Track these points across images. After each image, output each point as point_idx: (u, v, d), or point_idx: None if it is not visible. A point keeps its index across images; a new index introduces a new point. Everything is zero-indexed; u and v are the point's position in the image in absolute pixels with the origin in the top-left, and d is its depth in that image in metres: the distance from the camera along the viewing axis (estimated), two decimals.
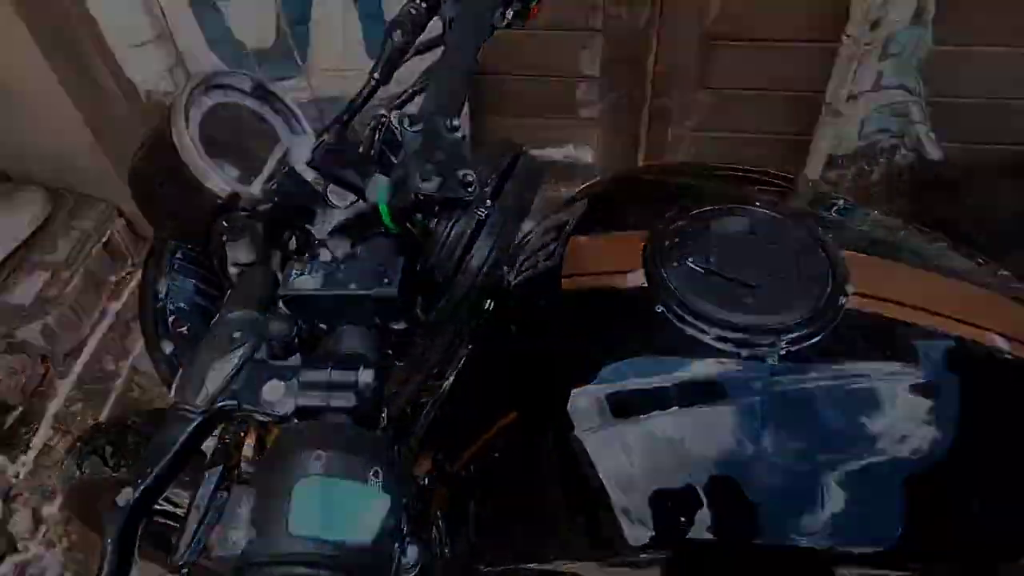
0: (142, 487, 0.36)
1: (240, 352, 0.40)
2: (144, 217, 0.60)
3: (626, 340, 0.55)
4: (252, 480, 0.35)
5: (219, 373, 0.39)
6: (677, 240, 0.56)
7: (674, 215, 0.59)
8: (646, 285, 0.55)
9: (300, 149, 0.57)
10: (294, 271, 0.42)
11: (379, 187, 0.43)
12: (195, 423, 0.38)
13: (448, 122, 0.43)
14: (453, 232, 0.41)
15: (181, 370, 0.40)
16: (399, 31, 0.53)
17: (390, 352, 0.46)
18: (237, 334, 0.40)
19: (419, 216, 0.43)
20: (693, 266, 0.54)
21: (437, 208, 0.41)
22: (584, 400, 0.52)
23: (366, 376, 0.37)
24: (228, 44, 1.42)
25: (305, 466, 0.33)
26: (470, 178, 0.40)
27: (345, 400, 0.37)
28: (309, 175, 0.46)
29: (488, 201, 0.41)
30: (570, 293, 0.60)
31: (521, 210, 0.44)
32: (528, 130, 1.64)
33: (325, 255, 0.46)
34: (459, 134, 0.43)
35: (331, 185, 0.46)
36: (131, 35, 1.38)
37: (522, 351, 0.62)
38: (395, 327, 0.41)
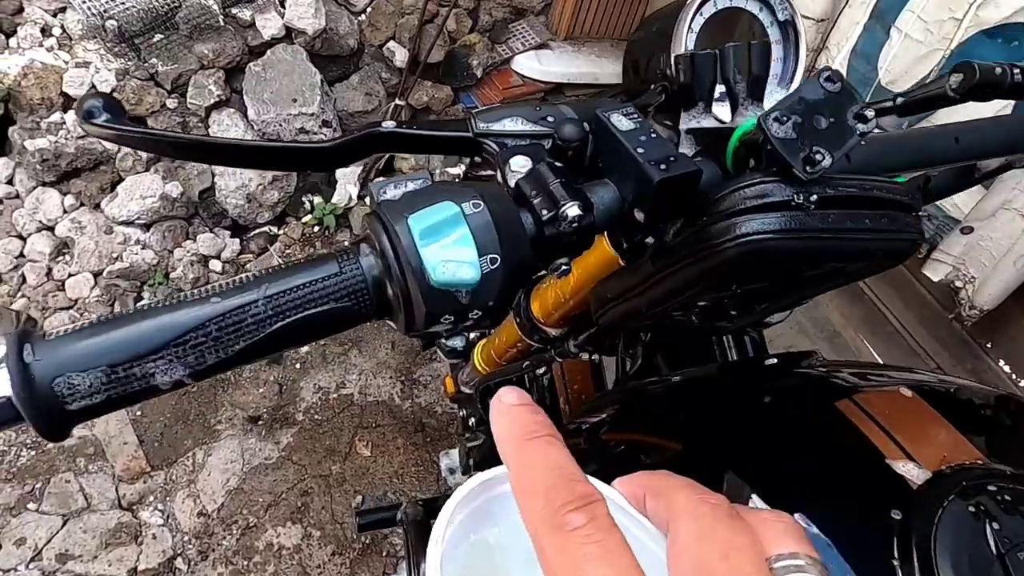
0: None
1: (537, 127, 0.42)
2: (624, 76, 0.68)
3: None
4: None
5: (512, 123, 0.42)
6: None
7: None
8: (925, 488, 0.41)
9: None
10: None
11: (749, 121, 0.39)
12: (462, 134, 0.42)
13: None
14: (753, 190, 0.35)
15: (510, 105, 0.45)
16: None
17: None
18: (551, 118, 0.43)
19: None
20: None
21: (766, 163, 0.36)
22: None
23: (574, 210, 0.36)
24: None
25: (461, 193, 0.35)
26: (821, 159, 0.34)
27: (546, 209, 0.37)
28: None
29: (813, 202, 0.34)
30: (840, 417, 0.48)
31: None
32: None
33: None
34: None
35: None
36: None
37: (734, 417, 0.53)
38: (638, 218, 0.38)
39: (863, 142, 0.35)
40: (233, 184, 2.17)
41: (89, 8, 2.01)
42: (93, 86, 2.02)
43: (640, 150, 0.37)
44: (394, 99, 2.40)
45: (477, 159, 0.43)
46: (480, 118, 0.42)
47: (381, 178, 0.37)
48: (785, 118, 0.34)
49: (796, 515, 0.44)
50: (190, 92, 2.11)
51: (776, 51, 0.61)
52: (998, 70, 0.54)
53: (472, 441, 1.26)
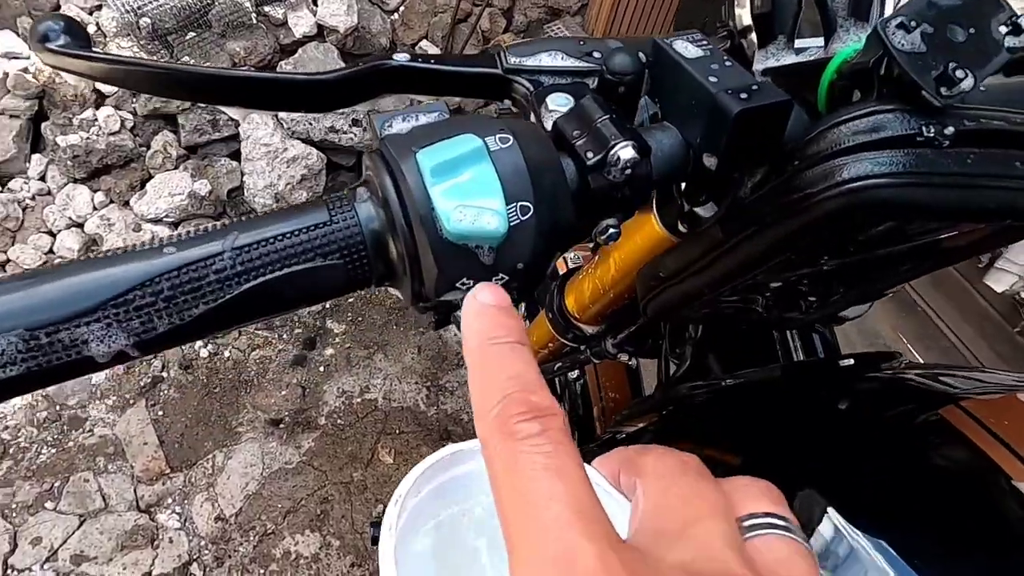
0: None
1: (581, 62, 0.35)
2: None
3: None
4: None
5: (550, 58, 0.35)
6: None
7: None
8: None
9: None
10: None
11: (852, 46, 0.31)
12: (490, 71, 0.35)
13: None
14: (863, 122, 0.27)
15: (549, 39, 0.38)
16: None
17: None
18: (597, 53, 0.36)
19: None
20: None
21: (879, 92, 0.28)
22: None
23: (627, 152, 0.28)
24: None
25: (486, 125, 0.27)
26: (962, 77, 0.26)
27: (591, 151, 0.29)
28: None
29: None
30: (944, 427, 0.39)
31: None
32: None
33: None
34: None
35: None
36: None
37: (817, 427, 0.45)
38: (707, 164, 0.30)
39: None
40: (262, 183, 2.13)
41: (123, 5, 2.00)
42: None
43: (712, 79, 0.29)
44: None
45: (507, 102, 0.36)
46: (512, 52, 0.35)
47: (388, 110, 0.30)
48: (913, 24, 0.26)
49: (874, 544, 0.36)
50: None
51: None
52: None
53: None
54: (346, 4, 2.14)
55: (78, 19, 1.50)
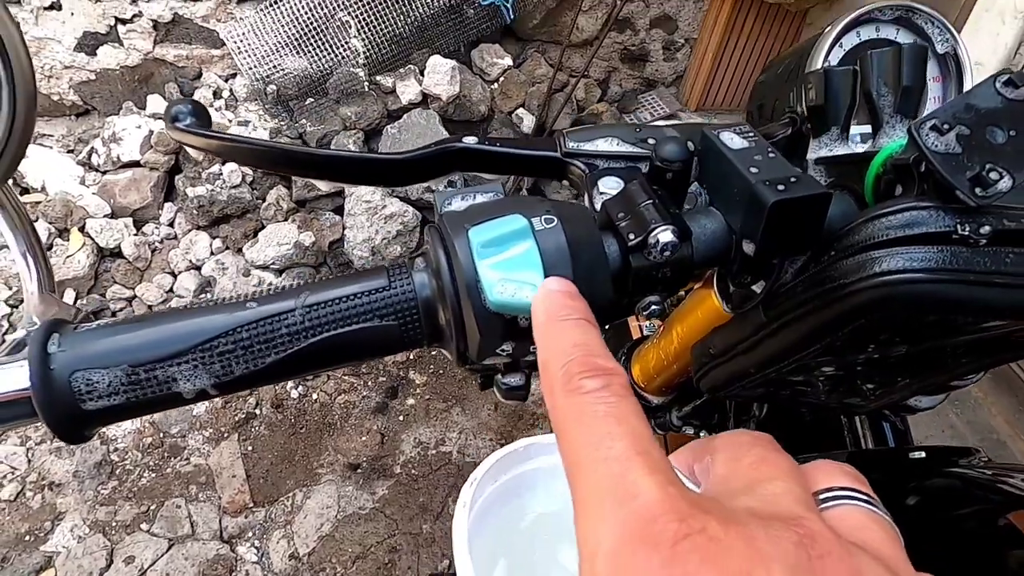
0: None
1: (635, 148, 0.38)
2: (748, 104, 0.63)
3: None
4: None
5: (606, 143, 0.38)
6: None
7: None
8: None
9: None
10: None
11: (897, 142, 0.32)
12: (549, 154, 0.38)
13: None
14: (898, 218, 0.28)
15: (606, 125, 0.41)
16: None
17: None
18: (651, 139, 0.38)
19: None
20: None
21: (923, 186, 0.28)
22: None
23: (666, 235, 0.30)
24: None
25: (533, 207, 0.30)
26: (997, 178, 0.26)
27: (633, 233, 0.31)
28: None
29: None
30: (1012, 533, 0.37)
31: None
32: None
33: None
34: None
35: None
36: None
37: None
38: (746, 251, 0.32)
39: None
40: (360, 236, 2.27)
41: (254, 74, 2.24)
42: None
43: (753, 169, 0.31)
44: None
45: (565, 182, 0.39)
46: (571, 137, 0.38)
47: (449, 188, 0.33)
48: (946, 127, 0.27)
49: None
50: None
51: (933, 90, 0.53)
52: None
53: None
54: (449, 75, 2.29)
55: (215, 86, 1.67)
